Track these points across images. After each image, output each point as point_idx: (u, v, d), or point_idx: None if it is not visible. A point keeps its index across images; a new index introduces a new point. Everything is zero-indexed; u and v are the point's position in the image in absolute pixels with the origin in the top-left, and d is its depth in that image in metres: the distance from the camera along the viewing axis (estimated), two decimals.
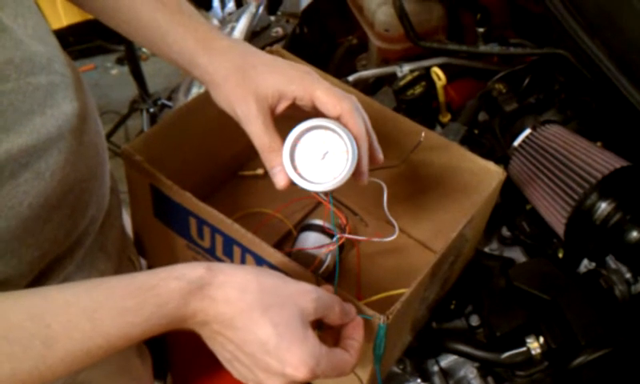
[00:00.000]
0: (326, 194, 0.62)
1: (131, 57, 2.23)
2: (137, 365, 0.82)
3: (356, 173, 0.60)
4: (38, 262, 0.59)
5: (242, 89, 0.61)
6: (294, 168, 0.60)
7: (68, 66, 0.61)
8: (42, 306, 0.48)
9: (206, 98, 0.78)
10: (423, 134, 0.76)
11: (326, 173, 0.60)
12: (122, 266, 0.75)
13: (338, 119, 0.60)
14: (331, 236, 0.77)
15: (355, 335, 0.56)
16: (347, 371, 0.54)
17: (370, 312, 0.58)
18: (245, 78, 0.61)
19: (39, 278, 0.60)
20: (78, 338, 0.47)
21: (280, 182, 0.61)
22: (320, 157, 0.60)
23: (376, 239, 0.68)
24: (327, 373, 0.52)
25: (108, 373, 0.75)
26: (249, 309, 0.50)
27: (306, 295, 0.53)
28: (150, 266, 0.95)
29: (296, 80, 0.61)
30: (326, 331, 0.57)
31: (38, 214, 0.57)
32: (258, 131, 0.61)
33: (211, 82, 0.63)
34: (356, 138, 0.60)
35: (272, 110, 0.61)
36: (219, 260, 0.72)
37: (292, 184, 0.61)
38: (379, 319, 0.57)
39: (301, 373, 0.50)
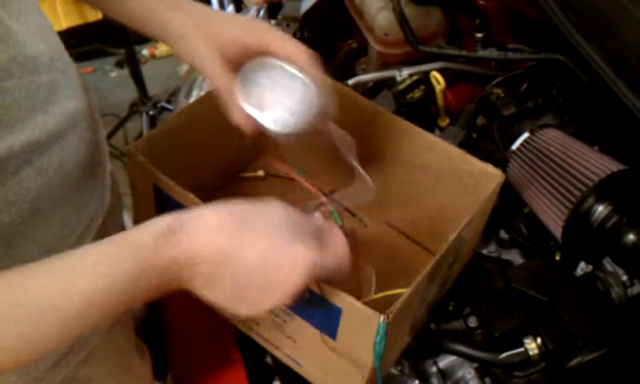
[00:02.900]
0: (288, 136, 0.63)
1: (131, 59, 2.23)
2: (137, 363, 0.83)
3: (322, 117, 0.63)
4: (38, 258, 0.60)
5: (201, 37, 0.64)
6: (253, 105, 0.62)
7: (69, 64, 0.63)
8: (18, 278, 0.47)
9: (208, 100, 0.79)
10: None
11: (287, 114, 0.62)
12: None
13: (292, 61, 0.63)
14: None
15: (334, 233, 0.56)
16: (344, 256, 0.55)
17: (370, 311, 0.59)
18: (203, 28, 0.65)
19: None
20: (55, 302, 0.46)
21: (240, 120, 0.64)
22: (270, 91, 0.63)
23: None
24: (328, 265, 0.52)
25: (108, 370, 0.76)
26: (230, 237, 0.50)
27: (276, 203, 0.54)
28: None
29: (250, 27, 0.66)
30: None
31: (41, 210, 0.58)
32: (217, 74, 0.64)
33: (172, 36, 0.66)
34: (315, 79, 0.63)
35: (229, 57, 0.65)
36: None
37: (254, 124, 0.63)
38: (379, 318, 0.58)
39: (302, 274, 0.50)
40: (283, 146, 0.70)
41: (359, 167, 0.68)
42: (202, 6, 0.67)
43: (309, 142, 0.66)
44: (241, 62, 0.65)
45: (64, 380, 0.68)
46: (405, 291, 0.61)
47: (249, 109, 0.62)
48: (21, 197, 0.55)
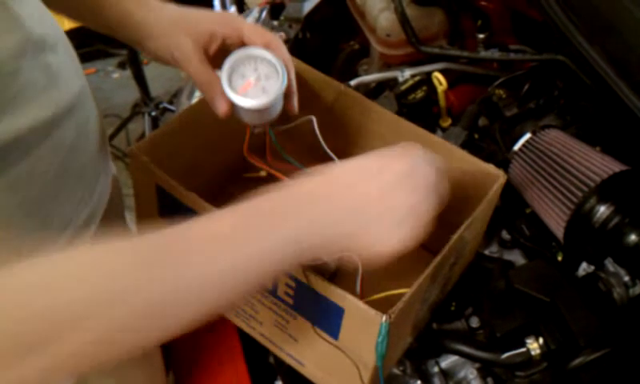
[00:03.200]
0: (263, 123, 0.71)
1: (133, 60, 2.24)
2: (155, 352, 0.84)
3: (287, 96, 0.69)
4: (62, 234, 0.64)
5: (177, 33, 0.67)
6: (232, 91, 0.67)
7: (70, 47, 0.68)
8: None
9: None
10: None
11: (261, 93, 0.67)
12: None
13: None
14: None
15: None
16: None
17: (372, 311, 0.59)
18: (179, 25, 0.67)
19: None
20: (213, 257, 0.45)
21: (221, 107, 0.67)
22: (254, 80, 0.67)
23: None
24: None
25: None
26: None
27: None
28: None
29: (225, 21, 0.69)
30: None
31: (63, 183, 0.62)
32: (196, 68, 0.67)
33: (147, 37, 0.68)
34: (284, 62, 0.68)
35: (206, 50, 0.68)
36: None
37: (232, 108, 0.68)
38: (382, 318, 0.58)
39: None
40: (263, 134, 0.76)
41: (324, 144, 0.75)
42: (174, 7, 0.70)
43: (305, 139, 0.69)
44: (219, 56, 0.68)
45: None
46: (407, 291, 0.61)
47: (232, 96, 0.66)
48: (45, 169, 0.59)
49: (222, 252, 0.45)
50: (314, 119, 0.74)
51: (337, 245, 0.51)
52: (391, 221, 0.51)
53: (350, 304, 0.60)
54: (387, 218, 0.51)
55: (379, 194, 0.51)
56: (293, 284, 0.65)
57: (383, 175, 0.52)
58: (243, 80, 0.67)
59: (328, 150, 0.75)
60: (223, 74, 0.67)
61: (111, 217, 0.74)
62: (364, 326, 0.60)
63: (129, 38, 0.70)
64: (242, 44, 0.69)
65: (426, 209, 0.53)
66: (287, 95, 0.69)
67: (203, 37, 0.67)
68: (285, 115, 0.72)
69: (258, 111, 0.68)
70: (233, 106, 0.68)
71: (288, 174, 0.72)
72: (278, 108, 0.70)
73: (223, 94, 0.67)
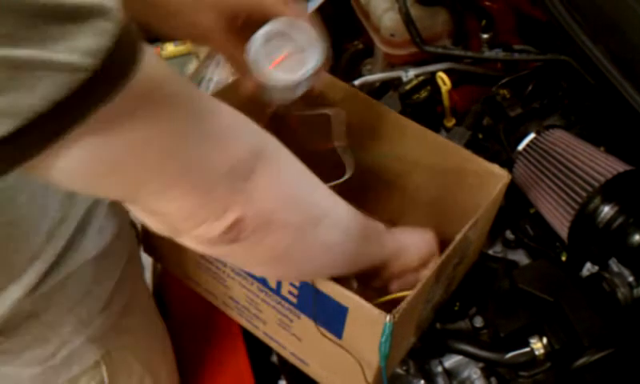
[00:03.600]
0: (289, 103, 0.67)
1: None
2: (161, 324, 0.87)
3: (317, 71, 0.65)
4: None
5: (200, 9, 0.64)
6: (262, 66, 0.62)
7: None
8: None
9: None
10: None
11: (293, 67, 0.63)
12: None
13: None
14: None
15: None
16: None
17: (376, 311, 0.59)
18: (206, 2, 0.65)
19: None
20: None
21: (247, 84, 0.65)
22: (287, 54, 0.63)
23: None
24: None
25: (141, 321, 0.80)
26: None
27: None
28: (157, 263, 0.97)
29: None
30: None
31: None
32: (221, 42, 0.65)
33: (167, 15, 0.66)
34: (318, 34, 0.64)
35: (230, 25, 0.65)
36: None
37: (262, 86, 0.64)
38: (385, 318, 0.58)
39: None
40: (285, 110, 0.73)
41: (344, 146, 0.75)
42: None
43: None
44: (245, 31, 0.65)
45: (109, 328, 0.72)
46: (410, 293, 0.61)
47: (262, 71, 0.63)
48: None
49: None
50: (343, 113, 0.73)
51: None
52: None
53: (354, 303, 0.61)
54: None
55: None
56: (297, 283, 0.65)
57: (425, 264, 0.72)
58: (274, 54, 0.63)
59: (348, 156, 0.74)
60: (251, 48, 0.63)
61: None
62: (368, 326, 0.60)
63: (146, 21, 0.66)
64: (269, 18, 0.65)
65: None
66: (317, 71, 0.65)
67: (226, 11, 0.65)
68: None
69: (290, 87, 0.64)
70: (261, 84, 0.64)
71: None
72: (309, 84, 0.66)
73: (250, 70, 0.64)
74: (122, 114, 0.36)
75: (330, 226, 0.57)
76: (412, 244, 0.72)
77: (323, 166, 0.74)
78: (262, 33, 0.64)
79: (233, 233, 0.47)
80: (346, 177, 0.75)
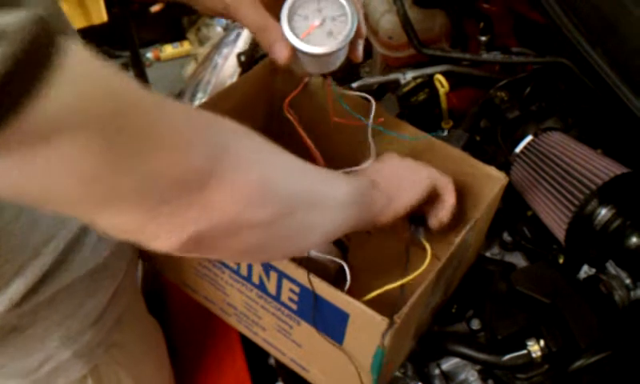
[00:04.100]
0: (324, 75, 0.68)
1: (136, 62, 2.24)
2: (155, 335, 0.86)
3: (352, 41, 0.63)
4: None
5: None
6: (294, 35, 0.61)
7: (75, 33, 0.66)
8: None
9: (212, 104, 0.79)
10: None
11: (326, 37, 0.61)
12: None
13: None
14: (337, 242, 0.78)
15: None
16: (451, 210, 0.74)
17: (378, 317, 0.58)
18: None
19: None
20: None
21: (281, 53, 0.63)
22: (319, 23, 0.62)
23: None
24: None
25: (135, 337, 0.78)
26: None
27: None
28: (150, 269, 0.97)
29: None
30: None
31: None
32: (250, 14, 0.63)
33: None
34: (352, 2, 0.63)
35: None
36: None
37: (294, 54, 0.62)
38: (387, 323, 0.58)
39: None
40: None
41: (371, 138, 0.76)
42: None
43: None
44: (275, 3, 0.64)
45: (98, 342, 0.71)
46: (401, 283, 0.62)
47: (294, 41, 0.61)
48: None
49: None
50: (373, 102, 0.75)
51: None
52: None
53: (355, 309, 0.60)
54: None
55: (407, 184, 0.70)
56: (297, 289, 0.65)
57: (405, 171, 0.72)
58: (306, 23, 0.62)
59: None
60: (283, 16, 0.61)
61: None
62: (369, 331, 0.60)
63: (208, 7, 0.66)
64: None
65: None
66: (352, 40, 0.63)
67: None
68: None
69: (323, 58, 0.63)
70: (299, 51, 0.62)
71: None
72: (343, 55, 0.64)
73: (283, 38, 0.62)
74: (22, 141, 0.33)
75: (311, 208, 0.54)
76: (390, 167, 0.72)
77: (349, 143, 0.77)
78: (290, 2, 0.62)
79: (191, 245, 0.44)
80: (368, 163, 0.74)
